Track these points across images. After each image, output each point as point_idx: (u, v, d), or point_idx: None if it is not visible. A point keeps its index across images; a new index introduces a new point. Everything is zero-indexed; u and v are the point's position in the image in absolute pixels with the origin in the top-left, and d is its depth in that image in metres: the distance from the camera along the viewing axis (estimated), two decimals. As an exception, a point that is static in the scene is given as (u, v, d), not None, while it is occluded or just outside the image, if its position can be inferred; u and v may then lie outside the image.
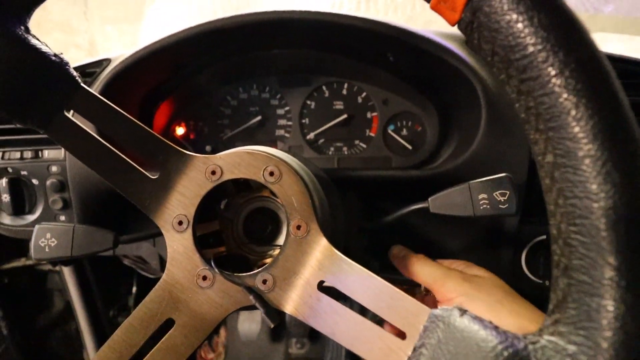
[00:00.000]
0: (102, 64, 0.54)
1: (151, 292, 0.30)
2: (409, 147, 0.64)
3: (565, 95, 0.18)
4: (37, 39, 0.28)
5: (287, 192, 0.31)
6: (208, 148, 0.67)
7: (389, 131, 0.64)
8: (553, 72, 0.18)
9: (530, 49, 0.18)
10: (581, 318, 0.18)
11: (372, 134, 0.65)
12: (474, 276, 0.36)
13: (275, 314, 0.29)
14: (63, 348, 0.96)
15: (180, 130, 0.67)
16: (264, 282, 0.30)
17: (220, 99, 0.67)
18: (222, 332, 1.00)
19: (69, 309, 0.95)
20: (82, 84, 0.29)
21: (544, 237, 0.52)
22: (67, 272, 0.73)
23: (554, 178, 0.19)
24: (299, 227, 0.30)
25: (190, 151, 0.32)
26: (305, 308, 0.28)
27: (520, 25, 0.18)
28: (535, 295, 0.55)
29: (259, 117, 0.66)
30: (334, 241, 0.30)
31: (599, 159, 0.17)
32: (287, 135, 0.67)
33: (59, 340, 0.97)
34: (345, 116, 0.65)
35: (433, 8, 0.22)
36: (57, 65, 0.28)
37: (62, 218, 0.55)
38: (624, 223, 0.17)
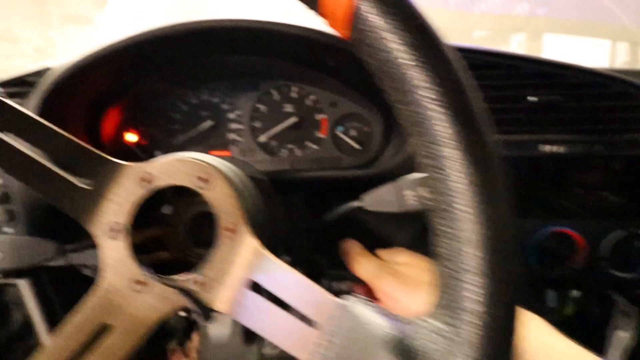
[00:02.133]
0: (41, 73, 0.53)
1: (85, 298, 0.31)
2: (358, 147, 0.66)
3: (428, 105, 0.20)
4: None
5: (217, 197, 0.32)
6: (157, 153, 0.67)
7: (338, 132, 0.66)
8: (419, 85, 0.21)
9: (400, 63, 0.21)
10: (451, 300, 0.20)
11: (322, 135, 0.67)
12: (403, 267, 0.39)
13: (207, 313, 0.30)
14: (25, 361, 0.93)
15: (131, 137, 0.67)
16: (196, 282, 0.31)
17: (170, 104, 0.67)
18: (195, 337, 0.99)
19: (29, 323, 0.92)
20: (2, 98, 0.30)
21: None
22: (23, 286, 0.72)
23: (428, 177, 0.21)
24: (229, 229, 0.31)
25: (141, 158, 0.33)
26: (235, 306, 0.29)
27: (393, 43, 0.21)
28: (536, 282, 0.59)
29: (210, 122, 0.67)
30: (270, 241, 0.32)
31: (456, 159, 0.20)
32: (239, 138, 0.68)
33: (20, 355, 0.95)
34: (295, 119, 0.66)
35: (331, 26, 0.24)
36: None
37: (9, 231, 0.54)
38: (481, 216, 0.20)
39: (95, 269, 0.71)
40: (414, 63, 0.20)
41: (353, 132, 0.66)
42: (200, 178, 0.32)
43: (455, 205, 0.20)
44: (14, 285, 0.90)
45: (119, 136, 0.67)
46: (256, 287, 0.30)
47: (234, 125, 0.68)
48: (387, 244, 0.56)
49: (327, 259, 0.53)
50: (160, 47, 0.55)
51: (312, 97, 0.66)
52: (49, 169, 0.31)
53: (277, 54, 0.58)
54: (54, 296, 0.74)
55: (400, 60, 0.21)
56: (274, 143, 0.68)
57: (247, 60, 0.63)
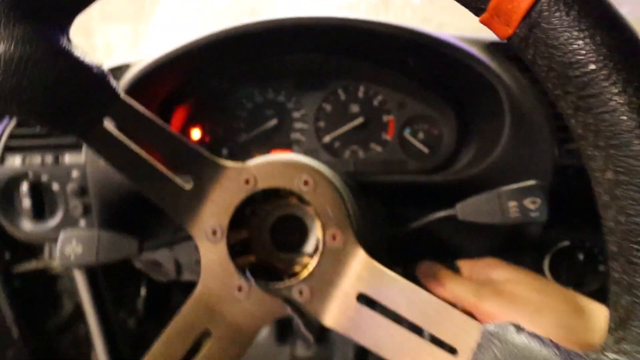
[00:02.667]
0: (121, 69, 0.54)
1: (187, 303, 0.30)
2: (426, 150, 0.64)
3: (628, 114, 0.18)
4: (79, 49, 0.28)
5: (322, 201, 0.31)
6: (224, 152, 0.67)
7: (406, 134, 0.64)
8: (615, 90, 0.18)
9: (591, 66, 0.18)
10: None
11: (388, 138, 0.65)
12: (506, 285, 0.36)
13: (314, 326, 0.29)
14: (72, 351, 0.96)
15: (196, 134, 0.67)
16: (301, 293, 0.30)
17: (235, 102, 0.67)
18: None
19: (78, 312, 0.95)
20: (122, 95, 0.29)
21: (567, 242, 0.52)
22: (79, 275, 0.74)
23: (614, 195, 0.19)
24: (334, 237, 0.30)
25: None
26: (344, 320, 0.28)
27: (580, 42, 0.18)
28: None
29: (274, 121, 0.66)
30: (369, 250, 0.31)
31: None
32: (302, 138, 0.67)
33: (69, 343, 0.97)
34: (361, 119, 0.65)
35: (483, 21, 0.22)
36: (99, 77, 0.28)
37: (83, 223, 0.55)
38: None
39: (147, 263, 0.72)
40: (605, 64, 0.18)
41: (421, 135, 0.64)
42: (305, 181, 0.31)
43: None
44: (68, 275, 0.93)
45: (184, 132, 0.67)
46: (367, 302, 0.29)
47: (298, 125, 0.67)
48: (465, 254, 0.54)
49: (401, 271, 0.51)
50: (233, 46, 0.54)
51: (379, 97, 0.65)
52: (154, 168, 0.31)
53: (353, 53, 0.56)
54: (106, 288, 0.76)
55: (588, 61, 0.18)
56: (337, 144, 0.66)
57: (315, 59, 0.62)
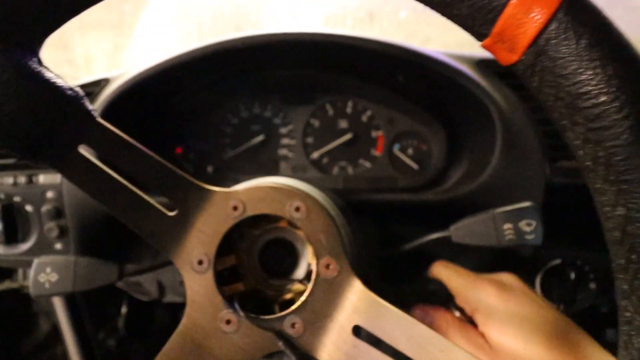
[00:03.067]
0: (99, 83, 0.51)
1: (171, 338, 0.28)
2: (415, 167, 0.63)
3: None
4: (51, 72, 0.26)
5: (315, 229, 0.29)
6: (210, 169, 0.65)
7: (395, 150, 0.64)
8: (628, 124, 0.17)
9: (603, 98, 0.18)
10: None
11: (377, 153, 0.64)
12: (505, 285, 0.35)
13: None
14: (49, 372, 0.92)
15: (179, 150, 0.65)
16: (293, 325, 0.28)
17: (221, 117, 0.65)
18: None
19: (55, 332, 0.91)
20: (97, 119, 0.28)
21: (559, 261, 0.52)
22: (56, 297, 0.70)
23: (626, 232, 0.18)
24: (328, 266, 0.29)
25: (189, 171, 0.30)
26: (340, 355, 0.26)
27: (591, 72, 0.18)
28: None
29: (261, 136, 0.65)
30: (362, 275, 0.29)
31: None
32: (290, 154, 0.65)
33: (44, 364, 0.93)
34: (350, 135, 0.64)
35: (486, 47, 0.21)
36: (72, 100, 0.26)
37: (58, 246, 0.52)
38: None
39: (128, 282, 0.69)
40: (620, 98, 0.17)
41: (410, 151, 0.63)
42: (296, 208, 0.30)
43: None
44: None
45: (167, 148, 0.65)
46: (359, 334, 0.27)
47: (285, 141, 0.65)
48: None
49: (394, 291, 0.50)
50: (218, 61, 0.53)
51: (368, 112, 0.64)
52: (135, 195, 0.29)
53: (341, 69, 0.56)
54: (84, 307, 0.73)
55: (600, 93, 0.17)
56: (326, 160, 0.65)
57: (304, 73, 0.61)
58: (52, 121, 0.25)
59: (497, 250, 0.51)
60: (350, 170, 0.65)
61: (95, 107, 0.49)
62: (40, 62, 0.25)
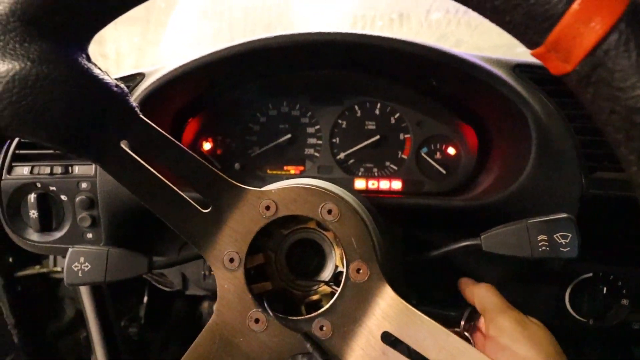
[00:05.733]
0: (135, 78, 0.52)
1: (201, 334, 0.29)
2: (443, 171, 0.62)
3: None
4: (99, 68, 0.26)
5: (347, 232, 0.29)
6: (237, 166, 0.65)
7: (423, 154, 0.63)
8: None
9: None
10: None
11: (404, 156, 0.63)
12: (530, 322, 0.34)
13: None
14: (72, 355, 0.95)
15: (207, 146, 0.66)
16: (321, 328, 0.28)
17: (249, 115, 0.65)
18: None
19: (79, 317, 0.93)
20: (140, 115, 0.28)
21: (590, 274, 0.50)
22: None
23: None
24: (358, 271, 0.28)
25: (216, 167, 0.30)
26: None
27: None
28: (577, 334, 0.53)
29: (288, 135, 0.65)
30: (391, 281, 0.29)
31: None
32: (316, 154, 0.65)
33: (68, 348, 0.96)
34: (377, 137, 0.63)
35: (537, 55, 0.20)
36: (118, 96, 0.27)
37: (90, 236, 0.53)
38: None
39: (152, 273, 0.70)
40: None
41: (438, 155, 0.63)
42: (328, 210, 0.30)
43: None
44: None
45: (196, 144, 0.66)
46: (390, 340, 0.27)
47: (312, 140, 0.65)
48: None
49: (416, 296, 0.49)
50: (250, 60, 0.53)
51: (396, 115, 0.63)
52: (172, 191, 0.29)
53: (372, 70, 0.55)
54: (108, 296, 0.74)
55: None
56: (352, 161, 0.65)
57: (334, 74, 0.61)
58: (98, 117, 0.25)
59: (526, 262, 0.50)
60: (375, 172, 0.64)
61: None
62: (89, 59, 0.26)
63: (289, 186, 0.31)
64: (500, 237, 0.37)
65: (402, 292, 0.36)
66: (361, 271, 0.28)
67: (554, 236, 0.35)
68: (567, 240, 0.35)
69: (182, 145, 0.30)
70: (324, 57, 0.54)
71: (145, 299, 0.93)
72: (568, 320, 0.51)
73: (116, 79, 0.55)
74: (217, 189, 0.30)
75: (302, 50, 0.50)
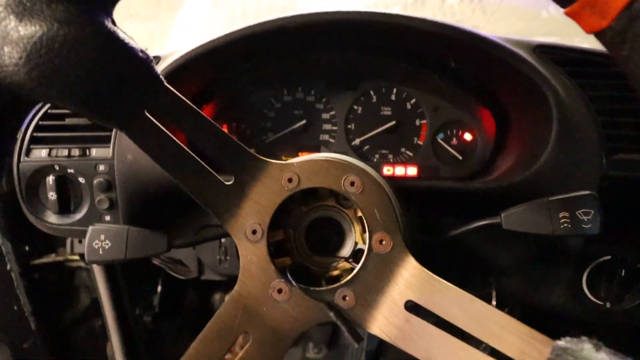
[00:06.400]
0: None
1: (224, 304, 0.29)
2: (459, 156, 0.61)
3: None
4: (124, 32, 0.26)
5: (370, 204, 0.29)
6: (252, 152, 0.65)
7: (439, 140, 0.62)
8: None
9: None
10: None
11: (420, 142, 0.63)
12: None
13: (357, 333, 0.27)
14: (87, 343, 0.96)
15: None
16: (344, 298, 0.28)
17: (264, 101, 0.65)
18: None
19: (95, 306, 0.95)
20: (165, 83, 0.28)
21: (609, 257, 0.49)
22: (97, 270, 0.73)
23: None
24: (381, 242, 0.28)
25: None
26: (392, 329, 0.26)
27: None
28: (595, 317, 0.52)
29: (303, 121, 0.65)
30: (416, 256, 0.29)
31: None
32: (331, 140, 0.65)
33: (84, 336, 0.97)
34: (393, 123, 0.63)
35: (570, 13, 0.20)
36: (143, 62, 0.27)
37: (108, 218, 0.54)
38: None
39: (166, 260, 0.71)
40: None
41: (454, 141, 0.62)
42: (351, 182, 0.29)
43: None
44: (87, 270, 0.92)
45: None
46: (414, 310, 0.27)
47: (327, 126, 0.65)
48: (500, 264, 0.52)
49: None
50: (265, 42, 0.53)
51: (412, 100, 0.63)
52: (196, 162, 0.29)
53: (389, 51, 0.55)
54: (123, 283, 0.75)
55: None
56: (367, 147, 0.65)
57: (348, 58, 0.61)
58: (123, 81, 0.26)
59: (543, 242, 0.49)
60: (391, 158, 0.64)
61: None
62: (114, 23, 0.26)
63: (312, 159, 0.31)
64: (521, 215, 0.37)
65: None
66: (384, 242, 0.28)
67: (576, 213, 0.35)
68: (589, 217, 0.35)
69: (207, 117, 0.30)
70: (341, 38, 0.53)
71: (160, 288, 0.94)
72: (585, 303, 0.50)
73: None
74: (240, 161, 0.30)
75: (319, 31, 0.50)
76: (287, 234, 0.36)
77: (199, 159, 0.29)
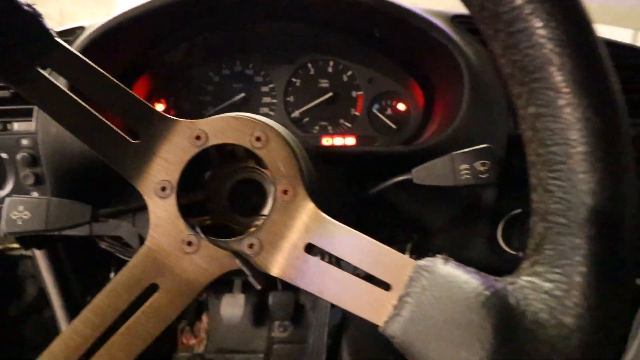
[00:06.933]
0: (75, 32, 0.51)
1: (134, 258, 0.29)
2: (393, 126, 0.64)
3: (549, 46, 0.18)
4: None
5: (274, 157, 0.30)
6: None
7: (374, 110, 0.64)
8: (539, 24, 0.18)
9: (518, 1, 0.18)
10: (557, 257, 0.19)
11: (357, 113, 0.65)
12: None
13: (261, 276, 0.29)
14: (38, 336, 0.93)
15: (159, 107, 0.65)
16: (251, 246, 0.29)
17: (202, 75, 0.65)
18: (204, 317, 0.98)
19: (43, 296, 0.92)
20: (57, 39, 0.28)
21: (520, 210, 0.53)
22: (40, 257, 0.71)
23: (535, 128, 0.19)
24: (285, 192, 0.30)
25: None
26: (291, 270, 0.27)
27: None
28: (511, 266, 0.56)
29: (242, 94, 0.65)
30: (321, 205, 0.30)
31: (580, 106, 0.18)
32: (271, 113, 0.65)
33: (34, 328, 0.94)
34: (330, 94, 0.64)
35: None
36: (29, 16, 0.26)
37: (35, 194, 0.52)
38: (602, 165, 0.18)
39: (113, 243, 0.70)
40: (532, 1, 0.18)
41: (389, 111, 0.64)
42: (257, 137, 0.30)
43: (571, 159, 0.18)
44: (30, 258, 0.89)
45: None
46: (314, 252, 0.28)
47: (266, 99, 0.65)
48: (423, 222, 0.54)
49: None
50: (197, 10, 0.52)
51: (349, 72, 0.64)
52: (99, 120, 0.29)
53: (321, 22, 0.55)
54: (69, 270, 0.73)
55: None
56: (306, 119, 0.66)
57: (285, 31, 0.61)
58: (7, 35, 0.25)
59: (459, 197, 0.53)
60: (330, 129, 0.65)
61: None
62: None
63: (220, 116, 0.31)
64: (428, 170, 0.39)
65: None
66: (288, 192, 0.29)
67: (474, 164, 0.37)
68: (486, 167, 0.37)
69: (108, 75, 0.30)
70: (270, 8, 0.54)
71: (112, 274, 0.92)
72: (501, 254, 0.54)
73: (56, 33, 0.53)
74: (147, 120, 0.30)
75: (244, 2, 0.50)
76: (210, 195, 0.37)
77: (101, 117, 0.29)
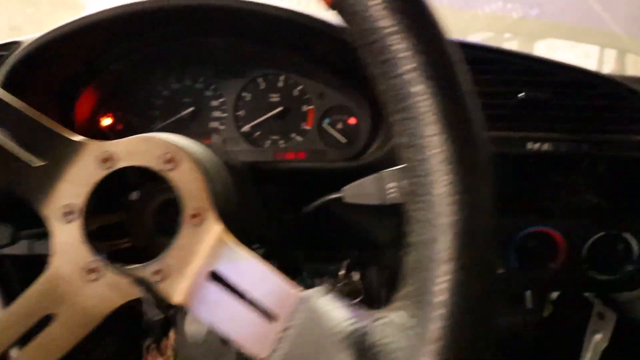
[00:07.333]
0: (10, 47, 0.50)
1: (32, 286, 0.28)
2: (344, 140, 0.64)
3: (411, 76, 0.18)
4: None
5: (184, 180, 0.30)
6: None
7: (324, 125, 0.64)
8: (402, 55, 0.18)
9: (382, 31, 0.19)
10: (416, 292, 0.18)
11: (307, 127, 0.65)
12: None
13: (165, 306, 0.28)
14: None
15: (106, 121, 0.64)
16: (157, 272, 0.28)
17: (150, 89, 0.64)
18: (171, 334, 0.96)
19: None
20: None
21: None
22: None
23: (406, 158, 0.19)
24: (194, 216, 0.29)
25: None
26: (192, 298, 0.27)
27: (374, 8, 0.19)
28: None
29: (191, 108, 0.64)
30: (241, 231, 0.30)
31: (440, 137, 0.18)
32: (221, 127, 0.65)
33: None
34: (281, 108, 0.64)
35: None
36: None
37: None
38: (460, 202, 0.18)
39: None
40: (396, 29, 0.18)
41: (339, 125, 0.64)
42: (166, 159, 0.30)
43: (434, 190, 0.18)
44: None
45: (94, 120, 0.64)
46: (220, 279, 0.28)
47: (216, 113, 0.65)
48: (367, 238, 0.55)
49: (305, 253, 0.51)
50: (134, 24, 0.52)
51: (299, 87, 0.64)
52: None
53: (263, 39, 0.56)
54: (19, 289, 0.71)
55: (381, 26, 0.18)
56: (257, 133, 0.65)
57: (233, 45, 0.61)
58: None
59: (397, 214, 0.53)
60: (281, 143, 0.65)
61: (2, 70, 0.47)
62: None
63: (130, 138, 0.31)
64: (358, 188, 0.39)
65: (286, 251, 0.37)
66: (196, 216, 0.29)
67: (402, 183, 0.37)
68: None
69: (4, 96, 0.29)
70: (211, 25, 0.54)
71: None
72: None
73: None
74: (49, 142, 0.29)
75: (177, 16, 0.50)
76: (132, 216, 0.36)
77: (1, 141, 0.28)
